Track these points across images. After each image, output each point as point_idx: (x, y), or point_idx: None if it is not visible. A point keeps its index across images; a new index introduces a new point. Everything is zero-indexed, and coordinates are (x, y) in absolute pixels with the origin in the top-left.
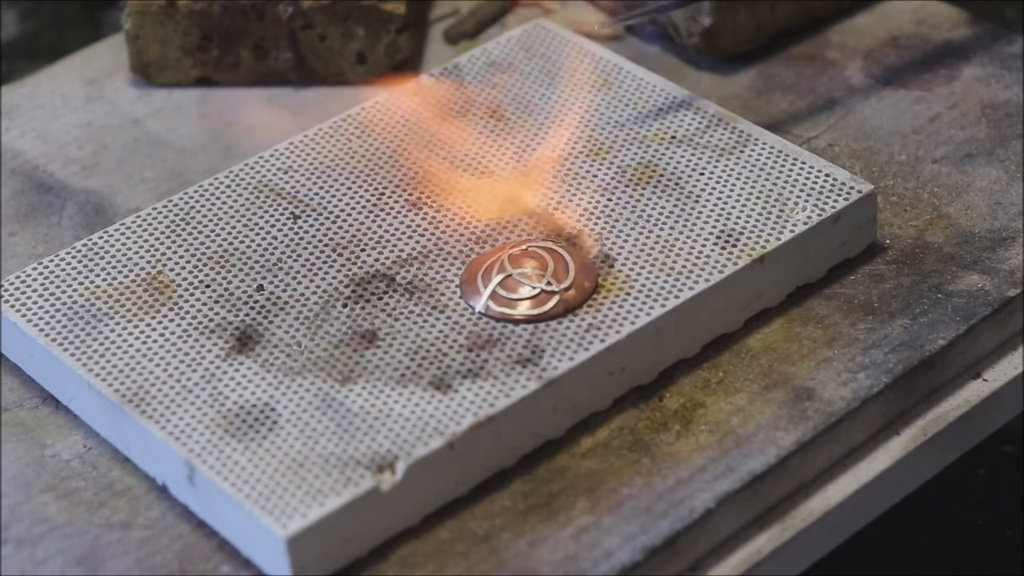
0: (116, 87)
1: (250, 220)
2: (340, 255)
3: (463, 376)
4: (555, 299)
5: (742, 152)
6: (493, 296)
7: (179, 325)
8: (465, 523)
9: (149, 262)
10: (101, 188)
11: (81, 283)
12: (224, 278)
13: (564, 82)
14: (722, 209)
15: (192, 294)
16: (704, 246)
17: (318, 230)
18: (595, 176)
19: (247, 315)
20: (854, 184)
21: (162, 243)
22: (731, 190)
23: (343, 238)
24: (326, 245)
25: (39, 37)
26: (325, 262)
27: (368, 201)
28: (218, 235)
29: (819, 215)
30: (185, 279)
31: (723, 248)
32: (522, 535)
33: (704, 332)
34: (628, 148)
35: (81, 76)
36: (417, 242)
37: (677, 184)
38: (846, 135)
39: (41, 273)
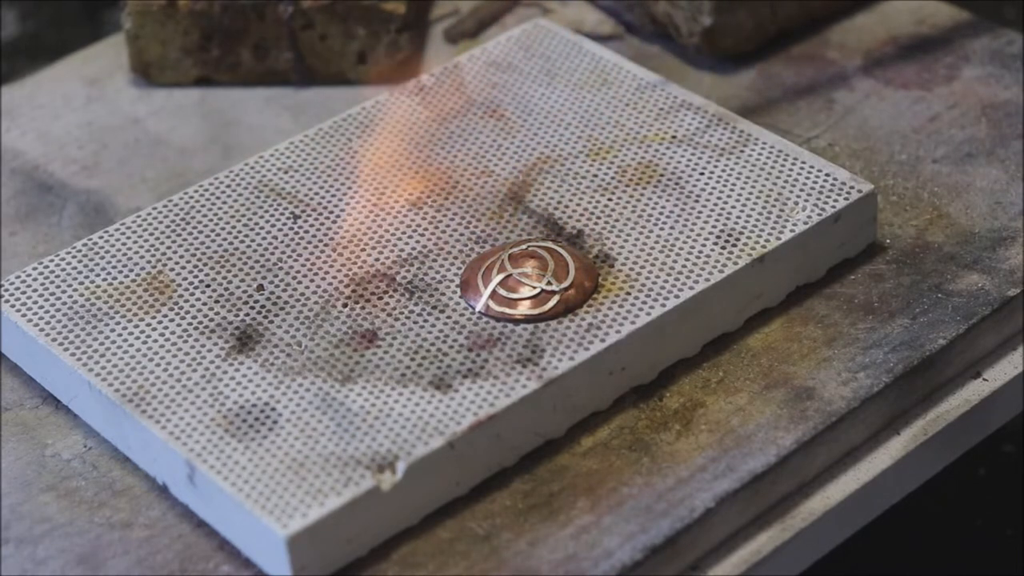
0: (116, 87)
1: (250, 220)
2: (340, 255)
3: (463, 376)
4: (555, 299)
5: (742, 152)
6: (493, 296)
7: (179, 325)
8: (465, 523)
9: (149, 262)
10: (101, 188)
11: (81, 283)
12: (224, 278)
13: (564, 81)
14: (722, 209)
15: (192, 294)
16: (704, 246)
17: (318, 230)
18: (595, 176)
19: (247, 315)
20: (854, 184)
21: (162, 243)
22: (731, 190)
23: (343, 238)
24: (326, 245)
25: (39, 37)
26: (325, 262)
27: (368, 201)
28: (218, 235)
29: (819, 215)
30: (185, 279)
31: (723, 248)
32: (522, 535)
33: (704, 332)
34: (628, 148)
35: (81, 76)
36: (417, 242)
37: (677, 184)
38: (846, 135)
39: (41, 273)
